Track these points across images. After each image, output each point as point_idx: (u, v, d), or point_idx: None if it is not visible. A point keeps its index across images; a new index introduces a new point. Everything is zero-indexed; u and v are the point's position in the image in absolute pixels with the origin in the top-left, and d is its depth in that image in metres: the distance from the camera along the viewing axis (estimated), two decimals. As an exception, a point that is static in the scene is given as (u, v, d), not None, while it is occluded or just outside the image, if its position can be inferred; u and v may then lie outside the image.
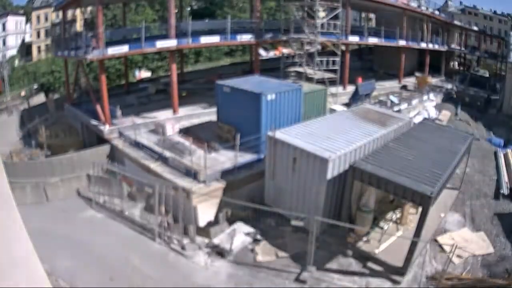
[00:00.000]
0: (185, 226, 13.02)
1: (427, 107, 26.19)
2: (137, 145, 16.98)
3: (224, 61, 43.78)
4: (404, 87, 31.41)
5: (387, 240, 12.14)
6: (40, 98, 33.33)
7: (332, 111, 20.30)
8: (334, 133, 13.53)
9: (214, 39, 22.48)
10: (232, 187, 14.07)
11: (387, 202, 13.97)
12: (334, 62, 24.97)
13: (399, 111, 23.57)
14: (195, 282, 10.99)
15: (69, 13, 25.36)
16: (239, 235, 12.66)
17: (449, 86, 32.42)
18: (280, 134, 13.05)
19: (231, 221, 13.54)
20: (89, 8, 38.48)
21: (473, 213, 14.56)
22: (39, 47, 46.27)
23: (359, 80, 27.46)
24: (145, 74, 37.27)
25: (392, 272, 10.98)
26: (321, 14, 23.70)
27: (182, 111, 21.61)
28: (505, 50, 36.02)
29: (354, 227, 12.24)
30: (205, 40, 22.11)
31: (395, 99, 25.68)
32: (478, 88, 31.83)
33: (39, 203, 15.77)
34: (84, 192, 16.46)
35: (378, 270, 11.15)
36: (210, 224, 13.50)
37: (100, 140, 19.41)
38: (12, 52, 44.95)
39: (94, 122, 19.96)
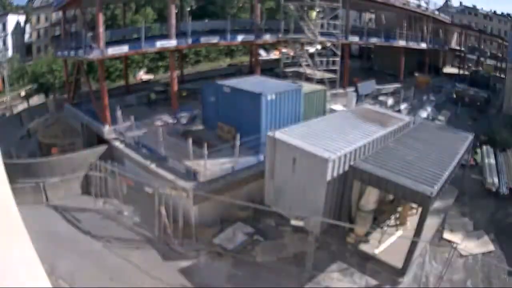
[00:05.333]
0: (185, 226, 13.02)
1: (427, 107, 26.17)
2: (137, 145, 16.98)
3: (222, 61, 43.62)
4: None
5: (387, 240, 12.14)
6: (40, 98, 33.31)
7: (332, 111, 20.30)
8: (334, 133, 13.51)
9: (214, 39, 22.48)
10: (232, 187, 14.06)
11: (387, 202, 13.96)
12: (334, 62, 24.96)
13: (399, 111, 23.55)
14: (195, 282, 10.99)
15: (69, 13, 25.36)
16: (239, 235, 12.66)
17: (449, 86, 32.40)
18: (280, 134, 13.03)
19: (231, 221, 13.54)
20: (89, 8, 38.33)
21: (473, 213, 14.56)
22: (39, 47, 46.20)
23: (358, 80, 27.45)
24: (146, 75, 37.05)
25: (392, 272, 10.98)
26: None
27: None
28: (505, 50, 35.97)
29: (354, 227, 12.24)
30: (205, 40, 22.12)
31: (394, 99, 25.66)
32: (478, 88, 31.80)
33: (39, 203, 15.78)
34: (84, 192, 16.45)
35: (378, 270, 11.15)
36: (210, 225, 13.50)
37: (100, 140, 19.39)
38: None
39: (94, 122, 19.94)
